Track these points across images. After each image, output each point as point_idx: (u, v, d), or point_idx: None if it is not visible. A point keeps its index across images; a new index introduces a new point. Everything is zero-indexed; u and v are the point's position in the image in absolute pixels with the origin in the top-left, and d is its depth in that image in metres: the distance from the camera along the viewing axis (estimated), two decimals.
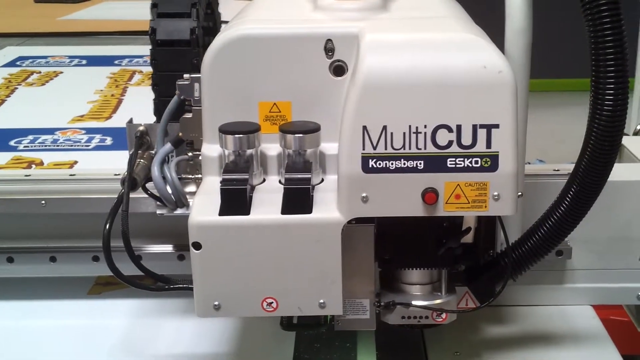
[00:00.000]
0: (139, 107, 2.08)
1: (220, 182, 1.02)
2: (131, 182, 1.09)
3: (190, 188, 1.14)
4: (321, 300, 1.02)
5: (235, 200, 1.00)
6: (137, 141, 1.15)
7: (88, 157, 1.79)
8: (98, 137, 1.96)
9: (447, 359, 1.16)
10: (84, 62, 2.80)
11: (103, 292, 1.37)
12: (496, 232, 1.14)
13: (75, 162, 1.76)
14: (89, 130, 2.01)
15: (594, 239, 1.21)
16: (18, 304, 1.33)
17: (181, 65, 1.15)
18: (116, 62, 2.76)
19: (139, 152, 1.16)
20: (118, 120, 2.09)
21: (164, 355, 1.18)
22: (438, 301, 1.08)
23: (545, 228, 1.04)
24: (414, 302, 1.07)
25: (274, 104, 1.07)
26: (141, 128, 1.16)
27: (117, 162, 1.67)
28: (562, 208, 1.02)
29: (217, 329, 1.24)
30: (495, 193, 0.97)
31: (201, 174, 1.14)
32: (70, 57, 2.85)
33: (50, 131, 2.00)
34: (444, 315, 1.08)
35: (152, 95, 2.25)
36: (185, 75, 1.11)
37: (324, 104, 1.06)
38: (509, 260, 1.07)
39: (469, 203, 0.97)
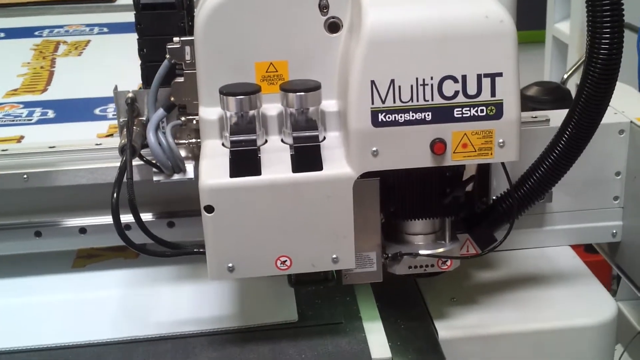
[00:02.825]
0: (73, 77, 2.03)
1: (229, 144, 1.02)
2: (132, 149, 1.07)
3: (182, 153, 1.14)
4: (334, 256, 1.04)
5: (246, 161, 1.01)
6: (129, 108, 1.13)
7: (33, 131, 1.73)
8: (38, 110, 1.89)
9: (445, 305, 1.20)
10: (2, 34, 2.69)
11: (87, 264, 1.35)
12: (490, 180, 1.19)
13: (22, 137, 1.70)
14: (27, 104, 1.94)
15: (571, 182, 1.26)
16: (3, 282, 1.29)
17: (167, 29, 1.13)
18: (36, 33, 2.66)
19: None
20: (55, 93, 2.02)
21: (168, 322, 1.17)
22: (443, 249, 1.11)
23: (543, 170, 1.08)
24: (421, 252, 1.10)
25: (271, 63, 1.08)
26: (130, 95, 1.14)
27: (65, 134, 1.64)
28: (558, 150, 1.07)
29: (216, 292, 1.24)
30: (501, 140, 1.00)
31: (194, 138, 1.14)
32: None
33: None
34: (448, 263, 1.11)
35: (83, 65, 2.20)
36: (176, 39, 1.09)
37: (319, 61, 1.07)
38: (514, 202, 1.11)
39: (475, 151, 1.01)
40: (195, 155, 1.15)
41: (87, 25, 2.67)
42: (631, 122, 1.28)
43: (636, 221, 1.29)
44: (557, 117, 1.18)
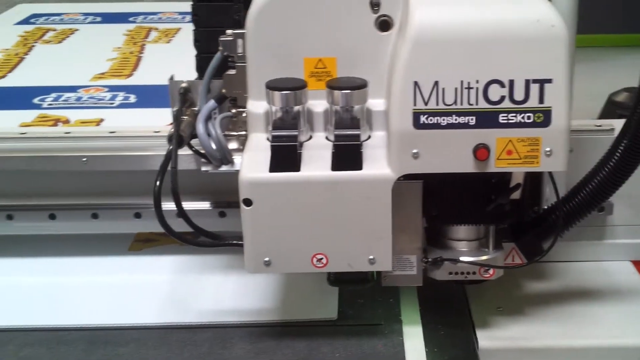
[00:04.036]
0: (158, 64, 2.08)
1: (270, 139, 1.02)
2: (178, 139, 1.09)
3: (232, 145, 1.14)
4: (371, 257, 1.02)
5: (286, 156, 1.00)
6: (181, 98, 1.15)
7: (114, 115, 1.78)
8: (121, 94, 1.95)
9: (490, 314, 1.17)
10: (98, 19, 2.78)
11: (143, 248, 1.38)
12: (542, 188, 1.15)
13: (102, 120, 1.76)
14: (112, 88, 2.00)
15: (635, 194, 1.20)
16: (60, 260, 1.34)
17: (223, 21, 1.14)
18: (131, 19, 2.74)
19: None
20: (139, 78, 2.08)
21: (210, 311, 1.19)
22: (485, 257, 1.08)
23: (595, 182, 1.04)
24: (462, 258, 1.08)
25: (319, 59, 1.07)
26: (184, 85, 1.16)
27: (143, 119, 1.69)
28: (612, 162, 1.02)
29: (260, 284, 1.24)
30: (548, 149, 0.96)
31: (244, 130, 1.14)
32: (84, 14, 2.83)
33: (73, 89, 1.99)
34: (491, 271, 1.08)
35: (171, 53, 2.25)
36: (228, 31, 1.10)
37: (369, 59, 1.06)
38: (560, 214, 1.07)
39: (520, 159, 0.97)
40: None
41: (180, 13, 2.73)
42: None
43: None
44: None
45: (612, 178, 1.03)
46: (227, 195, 1.31)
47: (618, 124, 1.18)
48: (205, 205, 1.33)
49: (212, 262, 1.32)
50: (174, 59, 2.08)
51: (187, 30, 2.43)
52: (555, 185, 1.04)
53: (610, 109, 1.58)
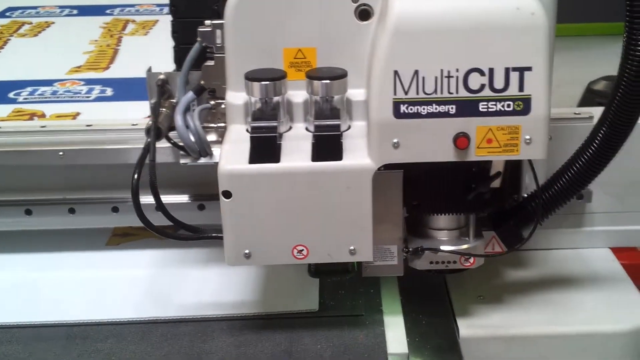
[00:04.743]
0: (136, 57, 2.06)
1: (250, 130, 1.01)
2: (156, 131, 1.08)
3: (211, 137, 1.14)
4: (351, 247, 1.02)
5: (265, 148, 1.00)
6: (159, 90, 1.14)
7: (90, 108, 1.76)
8: (98, 87, 1.93)
9: (471, 302, 1.17)
10: (75, 11, 2.75)
11: (122, 243, 1.37)
12: (521, 176, 1.15)
13: (78, 114, 1.73)
14: (88, 81, 1.97)
15: (613, 182, 1.21)
16: (37, 256, 1.32)
17: (201, 12, 1.13)
18: (107, 11, 2.71)
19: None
20: (116, 71, 2.06)
21: (190, 304, 1.18)
22: (466, 246, 1.08)
23: (574, 170, 1.04)
24: (443, 247, 1.08)
25: (299, 50, 1.06)
26: (161, 76, 1.15)
27: (120, 112, 1.67)
28: (591, 150, 1.02)
29: (240, 277, 1.24)
30: (527, 137, 0.97)
31: (223, 122, 1.13)
32: (60, 7, 2.79)
33: (49, 82, 1.96)
34: (471, 260, 1.08)
35: (148, 45, 2.22)
36: (207, 22, 1.09)
37: (349, 49, 1.05)
38: (539, 202, 1.07)
39: (500, 147, 0.97)
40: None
41: (158, 5, 2.71)
42: None
43: None
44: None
45: (591, 166, 1.03)
46: (206, 188, 1.30)
47: (597, 112, 1.19)
48: (183, 198, 1.32)
49: (191, 256, 1.31)
50: (151, 51, 2.06)
51: (165, 22, 2.40)
52: (535, 173, 1.04)
53: (589, 97, 1.59)
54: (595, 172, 1.04)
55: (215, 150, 1.14)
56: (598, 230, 1.28)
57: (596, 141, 1.02)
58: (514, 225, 1.11)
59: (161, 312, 1.17)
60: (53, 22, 2.57)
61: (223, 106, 1.12)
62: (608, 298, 1.19)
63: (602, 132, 1.01)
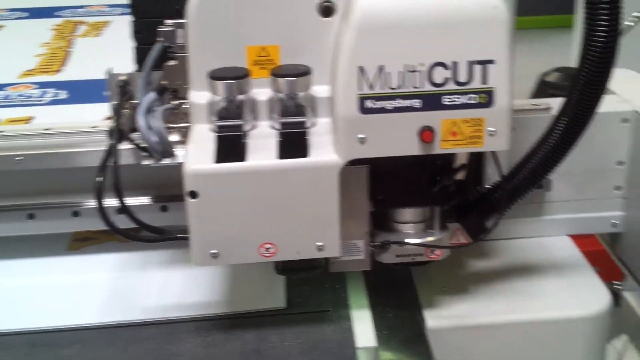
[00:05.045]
0: (89, 58, 2.03)
1: (215, 129, 1.01)
2: (119, 133, 1.07)
3: (174, 137, 1.13)
4: (319, 243, 1.02)
5: (231, 146, 0.99)
6: (120, 91, 1.12)
7: (44, 112, 1.73)
8: (51, 91, 1.90)
9: (436, 294, 1.19)
10: (25, 14, 2.70)
11: (82, 247, 1.35)
12: (484, 168, 1.17)
13: (32, 118, 1.71)
14: (41, 85, 1.94)
15: (572, 171, 1.24)
16: None
17: (162, 11, 1.12)
18: (58, 13, 2.67)
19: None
20: (69, 73, 2.03)
21: (155, 307, 1.17)
22: (432, 238, 1.10)
23: (536, 160, 1.06)
24: (409, 240, 1.09)
25: (262, 47, 1.06)
26: (123, 77, 1.13)
27: (75, 115, 1.64)
28: (553, 139, 1.04)
29: (205, 278, 1.23)
30: (491, 129, 0.98)
31: (186, 122, 1.12)
32: (10, 9, 2.74)
33: (0, 87, 1.93)
34: (437, 252, 1.10)
35: (101, 46, 2.19)
36: (168, 21, 1.08)
37: (312, 46, 1.05)
38: (503, 193, 1.09)
39: (464, 139, 0.99)
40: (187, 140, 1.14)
41: (109, 5, 2.67)
42: (636, 111, 1.25)
43: (638, 212, 1.27)
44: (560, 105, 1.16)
45: (553, 155, 1.05)
46: (168, 189, 1.29)
47: (554, 102, 1.21)
48: (145, 200, 1.31)
49: (154, 258, 1.30)
50: (105, 53, 2.04)
51: (117, 23, 2.38)
52: (499, 164, 1.06)
53: (542, 89, 1.62)
54: (556, 162, 1.06)
55: (178, 150, 1.13)
56: (557, 219, 1.30)
57: (557, 131, 1.04)
58: (477, 217, 1.12)
59: (126, 315, 1.15)
60: (3, 26, 2.52)
61: (185, 106, 1.11)
62: (570, 284, 1.21)
63: (563, 122, 1.03)
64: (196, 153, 1.01)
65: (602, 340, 1.20)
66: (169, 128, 1.11)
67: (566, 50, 3.78)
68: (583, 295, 1.19)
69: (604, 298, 1.19)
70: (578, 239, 1.33)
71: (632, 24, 1.93)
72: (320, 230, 1.02)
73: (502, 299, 1.18)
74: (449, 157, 1.06)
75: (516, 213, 1.25)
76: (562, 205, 1.29)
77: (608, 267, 1.29)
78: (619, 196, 1.30)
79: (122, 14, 2.64)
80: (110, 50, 2.03)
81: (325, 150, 1.00)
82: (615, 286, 1.36)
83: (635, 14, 2.02)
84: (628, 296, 2.04)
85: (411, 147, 0.99)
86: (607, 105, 1.19)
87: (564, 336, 1.16)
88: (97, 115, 1.47)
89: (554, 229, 1.31)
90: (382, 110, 0.97)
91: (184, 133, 1.13)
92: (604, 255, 1.32)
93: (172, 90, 1.12)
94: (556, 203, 1.29)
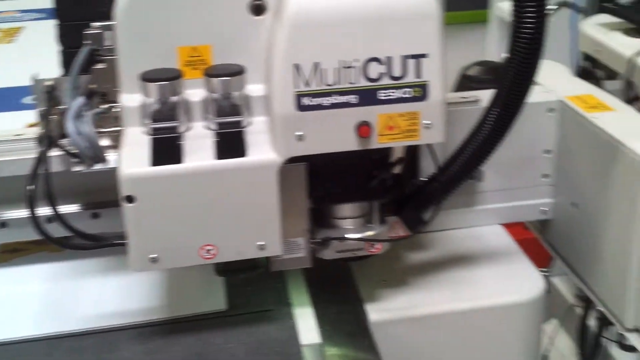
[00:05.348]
0: (4, 65, 1.96)
1: (149, 132, 0.99)
2: (48, 140, 1.04)
3: (104, 142, 1.10)
4: (260, 242, 1.02)
5: (167, 148, 0.98)
6: (47, 97, 1.09)
7: None
8: None
9: (376, 287, 1.20)
10: None
11: (12, 259, 1.30)
12: (419, 161, 1.18)
13: None
14: None
15: (502, 161, 1.26)
16: None
17: (88, 14, 1.09)
18: None
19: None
20: None
21: (92, 316, 1.14)
22: (371, 233, 1.10)
23: (470, 151, 1.08)
24: (349, 236, 1.09)
25: (194, 48, 1.05)
26: (49, 83, 1.10)
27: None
28: (485, 130, 1.06)
29: (142, 284, 1.21)
30: (427, 122, 1.00)
31: (117, 126, 1.10)
32: None
33: None
34: (378, 246, 1.10)
35: (15, 53, 2.13)
36: (95, 24, 1.06)
37: (244, 45, 1.05)
38: (438, 185, 1.10)
39: (401, 133, 1.00)
40: (118, 144, 1.12)
41: (22, 11, 2.59)
42: (560, 100, 1.29)
43: (565, 198, 1.30)
44: (488, 97, 1.18)
45: (486, 145, 1.07)
46: (99, 195, 1.26)
47: (483, 95, 1.24)
48: (75, 207, 1.27)
49: (87, 267, 1.26)
50: (19, 59, 1.97)
51: (31, 28, 2.31)
52: (436, 156, 1.07)
53: (464, 83, 1.65)
54: (490, 151, 1.08)
55: (110, 155, 1.11)
56: (490, 208, 1.33)
57: (489, 122, 1.06)
58: (415, 209, 1.14)
59: (63, 326, 1.12)
60: None
61: (116, 110, 1.09)
62: (505, 271, 1.24)
63: (494, 112, 1.05)
64: (131, 157, 0.99)
65: (538, 324, 1.23)
66: (99, 133, 1.09)
67: (482, 45, 3.87)
68: (518, 282, 1.22)
69: (538, 283, 1.22)
70: (508, 227, 1.36)
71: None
72: (260, 229, 1.01)
73: (441, 289, 1.20)
74: (386, 152, 1.07)
75: (450, 204, 1.27)
76: (494, 195, 1.32)
77: (535, 254, 1.32)
78: (547, 184, 1.33)
79: (35, 19, 2.58)
80: (26, 56, 1.98)
81: (263, 149, 0.99)
82: (542, 273, 1.39)
83: (552, 5, 2.09)
84: (556, 281, 2.11)
85: (349, 143, 0.99)
86: (533, 95, 1.22)
87: (502, 322, 1.18)
88: (14, 123, 1.43)
89: (486, 219, 1.34)
90: (319, 107, 0.97)
91: (115, 137, 1.11)
92: (533, 242, 1.35)
93: (101, 94, 1.09)
94: (488, 193, 1.32)
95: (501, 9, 3.49)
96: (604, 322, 2.00)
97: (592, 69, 1.96)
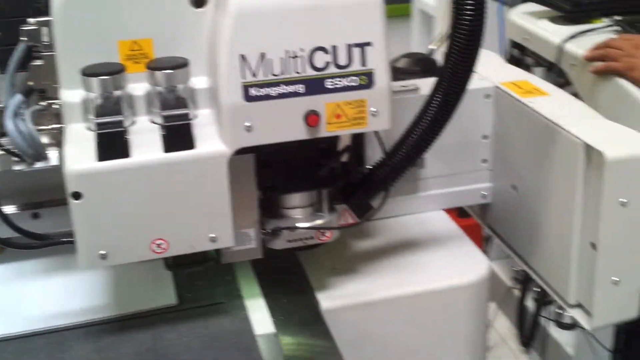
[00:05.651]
0: None
1: (94, 127, 0.98)
2: None
3: (44, 139, 1.09)
4: (212, 235, 1.02)
5: (114, 143, 0.97)
6: None
7: None
8: None
9: (326, 276, 1.21)
10: None
11: None
12: (364, 149, 1.19)
13: None
14: None
15: (442, 147, 1.28)
16: None
17: (22, 10, 1.07)
18: None
19: None
20: None
21: (40, 316, 1.12)
22: (321, 221, 1.11)
23: (414, 137, 1.09)
24: (300, 225, 1.10)
25: (135, 41, 1.04)
26: None
27: None
28: (429, 116, 1.08)
29: (88, 282, 1.19)
30: (373, 109, 1.01)
31: (56, 123, 1.09)
32: None
33: None
34: (328, 234, 1.11)
35: None
36: (31, 20, 1.04)
37: (186, 38, 1.04)
38: (386, 171, 1.12)
39: (349, 121, 1.01)
40: (58, 141, 1.10)
41: None
42: (496, 86, 1.32)
43: (504, 182, 1.33)
44: (427, 85, 1.20)
45: (431, 131, 1.09)
46: (38, 195, 1.24)
47: (422, 83, 1.26)
48: (12, 208, 1.25)
49: (30, 267, 1.24)
50: None
51: None
52: (383, 143, 1.09)
53: (393, 74, 1.66)
54: (434, 137, 1.10)
55: (50, 153, 1.09)
56: (432, 194, 1.35)
57: (432, 108, 1.07)
58: (362, 196, 1.15)
59: (11, 328, 1.10)
60: None
61: (56, 106, 1.07)
62: (450, 255, 1.27)
63: (437, 99, 1.07)
64: (76, 153, 0.97)
65: (485, 304, 1.26)
66: (38, 130, 1.07)
67: (406, 38, 3.92)
68: (463, 265, 1.25)
69: (483, 265, 1.25)
70: (449, 212, 1.39)
71: None
72: (212, 221, 1.01)
73: (390, 274, 1.21)
74: (334, 140, 1.08)
75: (394, 192, 1.28)
76: (436, 181, 1.34)
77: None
78: (486, 168, 1.36)
79: None
80: None
81: (211, 141, 0.99)
82: None
83: None
84: (493, 265, 2.16)
85: (298, 132, 1.00)
86: (470, 82, 1.24)
87: (450, 304, 1.21)
88: None
89: (430, 205, 1.36)
90: (267, 97, 0.97)
91: (55, 135, 1.10)
92: (465, 229, 1.37)
93: (39, 91, 1.08)
94: (430, 180, 1.34)
95: (423, 2, 3.55)
96: (542, 302, 2.06)
97: (521, 57, 2.00)
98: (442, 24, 3.26)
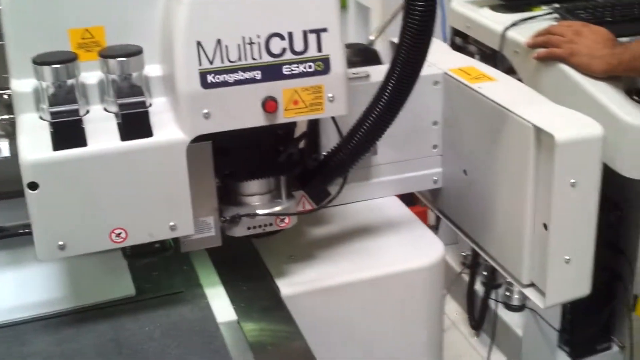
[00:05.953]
0: None
1: (49, 116, 0.96)
2: None
3: None
4: (171, 223, 1.01)
5: (70, 132, 0.96)
6: None
7: None
8: None
9: (284, 263, 1.21)
10: None
11: None
12: (319, 136, 1.20)
13: None
14: None
15: (394, 134, 1.29)
16: None
17: None
18: None
19: None
20: None
21: None
22: (280, 207, 1.12)
23: (369, 123, 1.10)
24: (258, 212, 1.10)
25: (86, 29, 1.03)
26: None
27: None
28: (383, 102, 1.09)
29: (43, 274, 1.17)
30: (330, 95, 1.02)
31: (5, 114, 1.07)
32: None
33: None
34: (286, 220, 1.12)
35: None
36: None
37: (138, 25, 1.03)
38: (344, 157, 1.13)
39: (306, 107, 1.01)
40: (8, 132, 1.08)
41: None
42: (445, 73, 1.34)
43: (453, 167, 1.36)
44: (377, 72, 1.22)
45: (385, 117, 1.10)
46: None
47: (373, 70, 1.27)
48: None
49: None
50: None
51: None
52: (340, 129, 1.10)
53: None
54: (388, 123, 1.11)
55: (1, 144, 1.07)
56: (385, 180, 1.36)
57: (386, 94, 1.09)
58: (320, 183, 1.16)
59: None
60: None
61: (5, 96, 1.05)
62: (406, 239, 1.28)
63: (390, 86, 1.08)
64: (31, 143, 0.96)
65: (441, 287, 1.28)
66: None
67: (343, 30, 3.93)
68: (420, 248, 1.27)
69: (438, 248, 1.27)
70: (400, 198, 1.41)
71: None
72: (171, 209, 1.01)
73: (348, 260, 1.23)
74: (291, 126, 1.09)
75: (348, 178, 1.30)
76: (388, 168, 1.36)
77: None
78: (437, 154, 1.38)
79: None
80: None
81: (169, 129, 0.99)
82: None
83: None
84: None
85: (256, 119, 1.00)
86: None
87: (407, 287, 1.22)
88: None
89: (383, 191, 1.37)
90: (224, 84, 0.97)
91: (3, 125, 1.08)
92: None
93: None
94: (382, 166, 1.35)
95: None
96: (490, 285, 2.10)
97: (463, 45, 2.04)
98: (378, 15, 3.29)
